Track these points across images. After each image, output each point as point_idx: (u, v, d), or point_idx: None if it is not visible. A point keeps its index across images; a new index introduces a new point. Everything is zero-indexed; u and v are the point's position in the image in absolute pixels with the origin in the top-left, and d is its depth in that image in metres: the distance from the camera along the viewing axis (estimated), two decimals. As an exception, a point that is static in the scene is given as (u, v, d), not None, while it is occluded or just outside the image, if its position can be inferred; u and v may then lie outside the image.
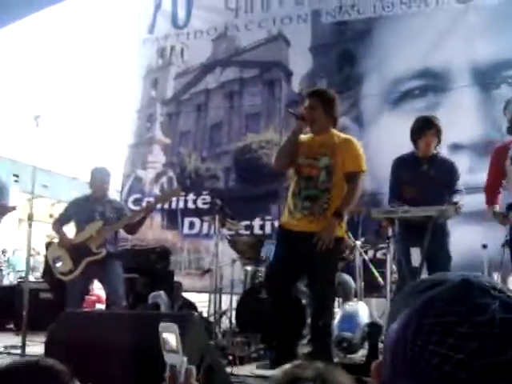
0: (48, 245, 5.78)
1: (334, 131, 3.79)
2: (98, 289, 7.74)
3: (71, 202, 5.33)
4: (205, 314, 5.71)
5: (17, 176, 25.26)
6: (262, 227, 7.17)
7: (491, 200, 4.26)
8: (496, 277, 4.58)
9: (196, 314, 4.82)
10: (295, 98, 7.25)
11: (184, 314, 3.84)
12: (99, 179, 5.11)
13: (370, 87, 7.18)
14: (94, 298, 9.15)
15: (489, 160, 4.43)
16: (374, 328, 3.92)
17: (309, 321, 4.06)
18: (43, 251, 8.24)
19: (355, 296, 5.15)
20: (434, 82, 6.85)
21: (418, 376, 0.70)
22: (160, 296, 5.47)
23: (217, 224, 5.26)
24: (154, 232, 7.72)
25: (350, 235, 4.97)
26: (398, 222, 3.95)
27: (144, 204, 7.16)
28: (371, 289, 5.16)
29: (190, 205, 7.62)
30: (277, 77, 7.80)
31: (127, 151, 8.50)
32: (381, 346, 3.71)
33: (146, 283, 5.97)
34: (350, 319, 4.47)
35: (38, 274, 10.14)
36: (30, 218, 4.72)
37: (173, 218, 7.71)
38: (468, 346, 0.67)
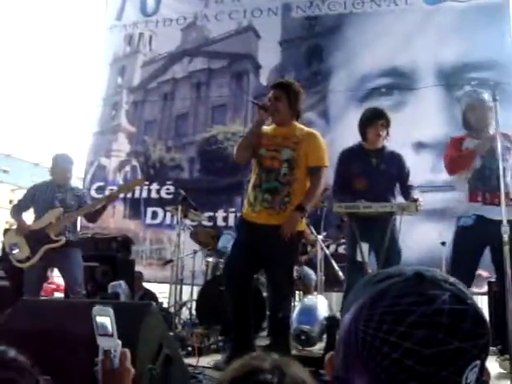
0: (6, 231, 5.66)
1: (298, 124, 3.77)
2: (57, 277, 7.63)
3: (31, 188, 5.21)
4: (165, 305, 5.68)
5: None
6: (226, 219, 7.17)
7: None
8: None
9: (154, 304, 4.79)
10: (263, 91, 7.23)
11: (142, 303, 3.80)
12: (61, 166, 5.02)
13: (338, 83, 7.23)
14: (52, 286, 9.02)
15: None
16: (332, 321, 3.94)
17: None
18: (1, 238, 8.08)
19: (316, 290, 5.20)
20: (400, 81, 6.95)
21: (369, 364, 0.71)
22: (120, 285, 5.42)
23: (179, 214, 5.23)
24: (116, 221, 7.65)
25: (313, 229, 5.00)
26: (348, 216, 3.94)
27: (107, 192, 7.09)
28: (332, 283, 5.20)
29: (154, 194, 7.56)
30: (245, 69, 7.78)
31: (91, 138, 8.38)
32: (339, 339, 3.74)
33: (106, 272, 5.90)
34: (308, 312, 4.51)
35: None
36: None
37: (136, 208, 7.64)
38: (416, 334, 0.68)
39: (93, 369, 1.36)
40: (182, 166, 7.74)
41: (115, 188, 6.20)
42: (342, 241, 5.56)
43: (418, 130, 6.54)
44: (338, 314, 4.42)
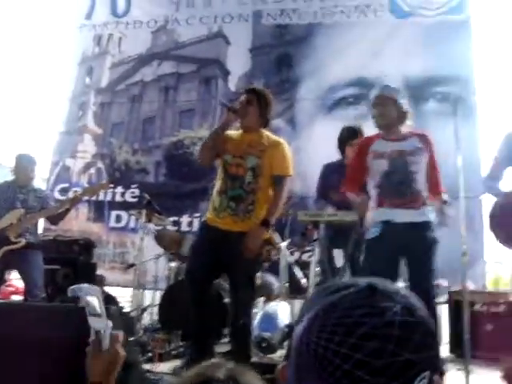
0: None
1: (265, 132, 3.75)
2: (16, 279, 7.47)
3: (-9, 188, 5.10)
4: (127, 310, 5.61)
5: None
6: (191, 224, 7.13)
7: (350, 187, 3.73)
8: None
9: (114, 308, 4.73)
10: (231, 97, 7.25)
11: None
12: (24, 166, 4.93)
13: (306, 91, 7.29)
14: (11, 288, 8.82)
15: None
16: (293, 329, 3.95)
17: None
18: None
19: (278, 297, 5.20)
20: (367, 92, 7.01)
21: (321, 375, 0.71)
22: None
23: (143, 218, 5.18)
24: (79, 223, 7.54)
25: (277, 236, 5.01)
26: (322, 223, 4.04)
27: (70, 194, 6.99)
28: (295, 290, 5.22)
29: (118, 198, 7.49)
30: (214, 74, 7.78)
31: (57, 138, 8.25)
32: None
33: (67, 275, 5.79)
34: (270, 319, 4.50)
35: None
36: None
37: (99, 210, 7.54)
38: (367, 346, 0.69)
39: (51, 372, 1.34)
40: (148, 170, 7.68)
41: (79, 190, 6.11)
42: (307, 248, 5.59)
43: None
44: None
